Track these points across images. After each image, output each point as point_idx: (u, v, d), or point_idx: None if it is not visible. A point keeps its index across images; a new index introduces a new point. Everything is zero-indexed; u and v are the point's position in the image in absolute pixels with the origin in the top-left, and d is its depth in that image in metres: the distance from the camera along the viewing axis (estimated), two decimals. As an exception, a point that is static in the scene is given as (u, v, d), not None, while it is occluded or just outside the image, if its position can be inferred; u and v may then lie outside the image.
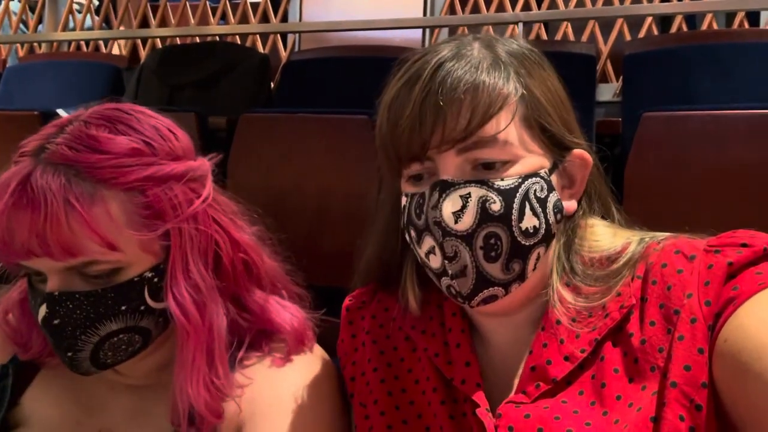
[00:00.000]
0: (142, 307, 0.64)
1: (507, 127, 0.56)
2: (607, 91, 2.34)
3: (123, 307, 0.63)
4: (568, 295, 0.58)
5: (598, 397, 0.55)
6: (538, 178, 0.57)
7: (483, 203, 0.55)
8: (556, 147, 0.59)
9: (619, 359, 0.55)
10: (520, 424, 0.55)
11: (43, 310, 0.61)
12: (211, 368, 0.65)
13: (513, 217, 0.55)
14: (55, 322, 0.62)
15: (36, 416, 0.72)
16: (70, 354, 0.63)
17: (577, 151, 0.61)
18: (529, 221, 0.56)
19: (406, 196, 0.60)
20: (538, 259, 0.58)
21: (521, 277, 0.58)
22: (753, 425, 0.48)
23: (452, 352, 0.63)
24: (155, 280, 0.64)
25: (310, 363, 0.71)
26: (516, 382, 0.60)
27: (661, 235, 0.60)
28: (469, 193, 0.55)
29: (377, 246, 0.69)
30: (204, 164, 0.70)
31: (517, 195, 0.56)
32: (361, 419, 0.67)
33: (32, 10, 3.38)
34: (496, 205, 0.55)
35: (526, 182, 0.56)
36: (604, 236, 0.61)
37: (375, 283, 0.73)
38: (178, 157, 0.67)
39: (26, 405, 0.73)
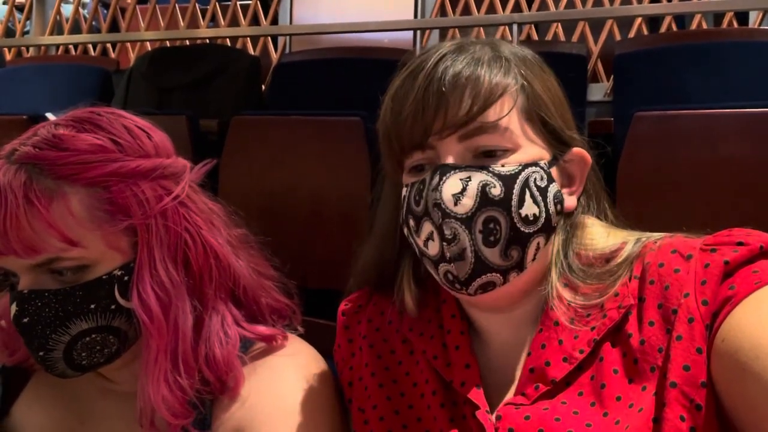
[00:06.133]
0: (113, 306, 0.64)
1: (508, 114, 0.57)
2: (598, 91, 2.35)
3: (92, 306, 0.63)
4: (566, 294, 0.58)
5: (598, 398, 0.55)
6: (538, 168, 0.58)
7: (483, 187, 0.56)
8: (556, 141, 0.60)
9: (618, 360, 0.55)
10: (520, 426, 0.55)
11: (13, 309, 0.62)
12: (174, 367, 0.64)
13: (513, 203, 0.56)
14: (25, 320, 0.62)
15: (27, 425, 0.72)
16: (41, 353, 0.63)
17: (576, 150, 0.61)
18: (529, 208, 0.56)
19: (407, 186, 0.60)
20: (538, 249, 0.58)
21: (520, 265, 0.57)
22: (752, 426, 0.48)
23: (451, 354, 0.63)
24: (125, 278, 0.64)
25: (308, 368, 0.70)
26: (515, 383, 0.59)
27: (658, 234, 0.60)
28: (470, 177, 0.56)
29: (375, 248, 0.69)
30: (178, 162, 0.70)
31: (518, 181, 0.56)
32: (360, 424, 0.67)
33: (20, 11, 3.35)
34: (497, 190, 0.56)
35: (526, 170, 0.57)
36: (600, 235, 0.61)
37: (370, 286, 0.72)
38: (147, 154, 0.66)
39: (17, 414, 0.72)
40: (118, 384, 0.72)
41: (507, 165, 0.57)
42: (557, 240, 0.60)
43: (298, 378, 0.69)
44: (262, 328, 0.71)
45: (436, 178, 0.56)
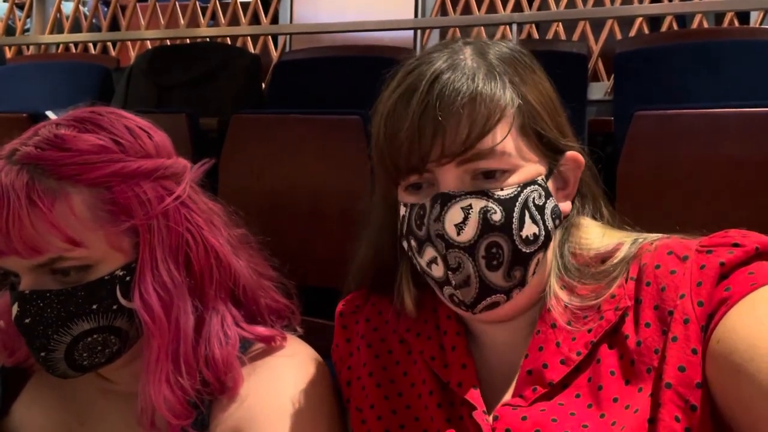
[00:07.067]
0: (115, 306, 0.64)
1: (505, 138, 0.56)
2: (599, 90, 2.34)
3: (94, 306, 0.63)
4: (563, 296, 0.58)
5: (595, 399, 0.55)
6: (536, 186, 0.58)
7: (484, 214, 0.56)
8: (551, 152, 0.60)
9: (615, 361, 0.55)
10: (517, 427, 0.55)
11: (15, 310, 0.62)
12: (175, 366, 0.65)
13: (514, 226, 0.56)
14: (26, 320, 0.62)
15: (27, 425, 0.72)
16: (43, 354, 0.63)
17: (570, 154, 0.61)
18: (529, 229, 0.57)
19: (405, 206, 0.60)
20: (538, 264, 0.59)
21: (522, 283, 0.58)
22: (748, 426, 0.48)
23: (448, 355, 0.63)
24: (127, 278, 0.64)
25: (306, 368, 0.71)
26: (512, 384, 0.60)
27: (654, 236, 0.60)
28: (470, 205, 0.56)
29: (371, 249, 0.69)
30: (179, 163, 0.70)
31: (517, 204, 0.56)
32: (358, 424, 0.67)
33: (20, 9, 3.35)
34: (497, 215, 0.56)
35: (525, 191, 0.57)
36: (594, 235, 0.61)
37: (367, 287, 0.72)
38: (148, 154, 0.67)
39: (16, 414, 0.73)
40: (118, 384, 0.72)
41: (506, 187, 0.56)
42: (553, 244, 0.60)
43: (296, 379, 0.69)
44: (261, 329, 0.71)
45: (437, 208, 0.56)
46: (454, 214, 0.56)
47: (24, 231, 0.60)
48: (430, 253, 0.58)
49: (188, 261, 0.67)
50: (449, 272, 0.57)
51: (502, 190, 0.56)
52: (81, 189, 0.62)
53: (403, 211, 0.60)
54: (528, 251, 0.57)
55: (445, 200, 0.56)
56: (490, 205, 0.56)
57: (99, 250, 0.63)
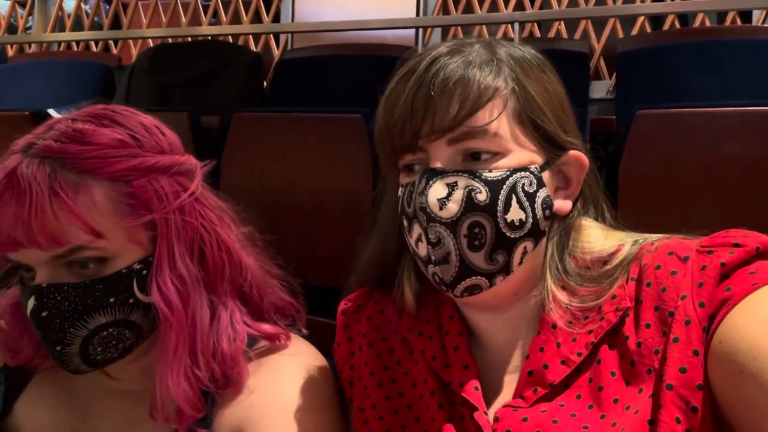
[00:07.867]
0: (131, 300, 0.64)
1: (497, 119, 0.56)
2: (601, 89, 2.34)
3: (111, 300, 0.63)
4: (563, 297, 0.58)
5: (596, 400, 0.55)
6: (528, 173, 0.58)
7: (469, 192, 0.56)
8: (550, 145, 0.60)
9: (615, 362, 0.55)
10: (517, 428, 0.55)
11: (31, 303, 0.62)
12: (192, 359, 0.65)
13: (498, 209, 0.56)
14: (44, 314, 0.62)
15: (30, 424, 0.72)
16: (59, 348, 0.63)
17: (573, 152, 0.61)
18: (515, 214, 0.57)
19: (402, 187, 0.61)
20: (525, 253, 0.58)
21: (506, 269, 0.58)
22: (750, 427, 0.48)
23: (450, 355, 0.63)
24: (144, 272, 0.65)
25: (309, 367, 0.71)
26: (513, 384, 0.60)
27: (655, 236, 0.60)
28: (456, 182, 0.56)
29: (377, 244, 0.69)
30: (191, 160, 0.71)
31: (504, 187, 0.56)
32: (360, 424, 0.67)
33: (22, 7, 3.35)
34: (482, 195, 0.56)
35: (514, 175, 0.57)
36: (596, 237, 0.61)
37: (370, 284, 0.73)
38: (163, 150, 0.67)
39: (19, 412, 0.73)
40: (122, 382, 0.72)
41: (495, 170, 0.57)
42: (551, 243, 0.60)
43: (299, 377, 0.69)
44: (266, 327, 0.72)
45: (423, 182, 0.57)
46: (438, 189, 0.56)
47: (47, 222, 0.60)
48: (416, 230, 0.58)
49: (202, 255, 0.68)
50: (429, 247, 0.57)
51: (490, 171, 0.57)
52: (101, 182, 0.63)
53: (399, 192, 0.61)
54: (513, 236, 0.57)
55: (431, 175, 0.57)
56: (476, 184, 0.56)
57: (117, 243, 0.63)
